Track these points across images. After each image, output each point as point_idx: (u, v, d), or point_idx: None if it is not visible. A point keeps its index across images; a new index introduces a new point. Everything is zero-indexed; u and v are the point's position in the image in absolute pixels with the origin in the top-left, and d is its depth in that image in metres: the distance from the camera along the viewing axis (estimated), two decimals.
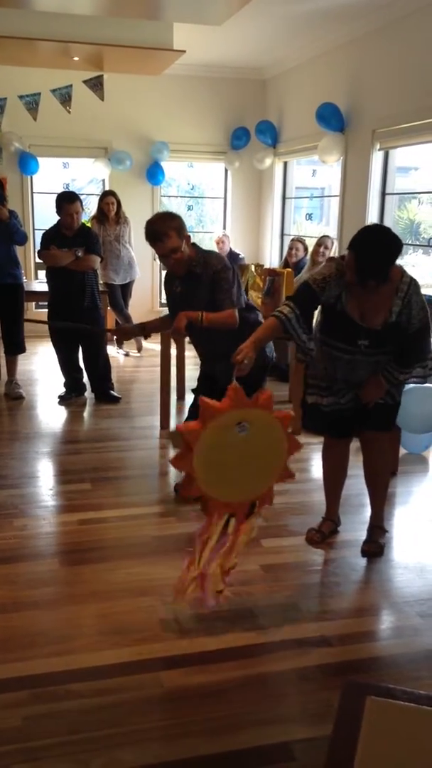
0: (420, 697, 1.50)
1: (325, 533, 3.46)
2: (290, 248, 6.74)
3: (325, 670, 2.47)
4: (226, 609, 2.82)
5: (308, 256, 6.49)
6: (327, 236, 6.36)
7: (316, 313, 3.19)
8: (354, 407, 3.22)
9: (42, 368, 6.80)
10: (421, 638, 2.68)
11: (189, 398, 5.88)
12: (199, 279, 3.56)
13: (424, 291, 3.03)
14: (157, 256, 3.65)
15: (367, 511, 3.48)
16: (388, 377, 3.08)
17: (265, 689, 2.37)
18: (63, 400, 5.74)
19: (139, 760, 2.04)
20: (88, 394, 5.89)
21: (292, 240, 6.86)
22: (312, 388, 3.31)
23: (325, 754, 1.44)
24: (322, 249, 6.17)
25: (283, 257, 7.03)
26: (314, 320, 3.19)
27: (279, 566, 3.19)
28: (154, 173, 8.37)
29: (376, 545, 3.34)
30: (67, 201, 5.25)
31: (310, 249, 6.46)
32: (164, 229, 3.42)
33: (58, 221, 5.38)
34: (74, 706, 2.25)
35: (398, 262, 2.97)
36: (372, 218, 6.39)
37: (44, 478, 4.26)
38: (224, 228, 8.91)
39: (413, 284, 2.97)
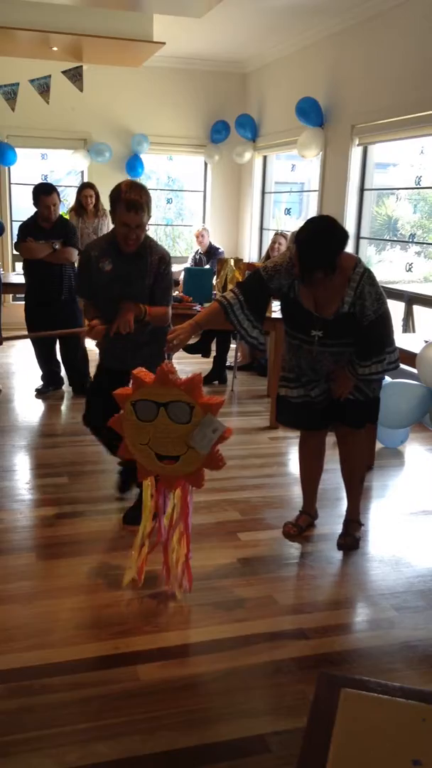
0: (394, 689, 1.51)
1: (302, 527, 3.47)
2: (273, 242, 6.75)
3: (301, 663, 2.48)
4: (203, 602, 2.83)
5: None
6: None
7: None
8: (326, 401, 3.23)
9: (19, 361, 6.74)
10: (396, 630, 2.71)
11: None
12: (142, 261, 3.26)
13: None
14: (120, 223, 3.16)
15: (344, 505, 3.50)
16: (350, 371, 3.07)
17: (242, 682, 2.38)
18: (40, 393, 5.71)
19: (115, 754, 2.04)
20: (66, 387, 5.86)
21: (276, 234, 6.87)
22: (282, 380, 3.32)
23: (300, 746, 1.45)
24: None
25: (265, 251, 7.03)
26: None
27: (256, 559, 3.20)
28: (133, 165, 8.32)
29: (351, 539, 3.37)
30: (43, 193, 5.21)
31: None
32: (143, 202, 3.13)
33: (36, 213, 5.33)
34: (50, 700, 2.25)
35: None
36: (350, 214, 6.41)
37: (21, 472, 4.23)
38: (204, 222, 8.89)
39: (366, 274, 2.94)
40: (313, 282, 2.88)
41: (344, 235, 2.90)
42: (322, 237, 2.85)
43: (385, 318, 3.01)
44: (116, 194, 3.15)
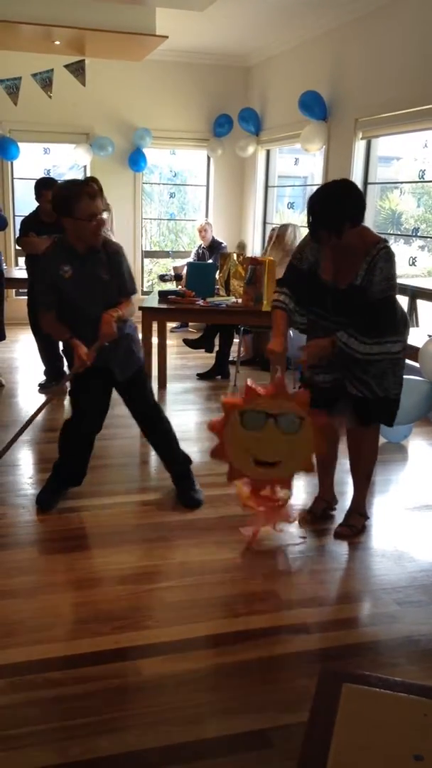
0: (395, 684, 1.51)
1: (316, 513, 3.47)
2: (269, 237, 6.74)
3: (303, 658, 2.48)
4: (205, 597, 2.83)
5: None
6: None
7: None
8: (331, 389, 3.20)
9: (22, 356, 6.74)
10: (398, 625, 2.70)
11: (171, 387, 5.88)
12: (98, 257, 3.25)
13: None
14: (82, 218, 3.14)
15: (347, 500, 3.51)
16: (340, 337, 2.96)
17: (243, 677, 2.38)
18: (43, 388, 5.71)
19: (117, 748, 2.04)
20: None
21: (272, 229, 6.86)
22: None
23: (302, 741, 1.44)
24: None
25: (264, 246, 7.02)
26: None
27: (257, 553, 3.20)
28: (136, 160, 8.30)
29: (347, 529, 3.36)
30: (45, 187, 5.19)
31: None
32: (99, 188, 3.18)
33: (37, 208, 5.32)
34: (52, 694, 2.25)
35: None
36: None
37: (24, 467, 4.24)
38: (206, 216, 8.87)
39: (384, 251, 2.91)
40: (322, 242, 2.95)
41: (357, 200, 2.90)
42: (331, 197, 2.91)
43: (387, 303, 2.94)
44: (71, 193, 3.13)
